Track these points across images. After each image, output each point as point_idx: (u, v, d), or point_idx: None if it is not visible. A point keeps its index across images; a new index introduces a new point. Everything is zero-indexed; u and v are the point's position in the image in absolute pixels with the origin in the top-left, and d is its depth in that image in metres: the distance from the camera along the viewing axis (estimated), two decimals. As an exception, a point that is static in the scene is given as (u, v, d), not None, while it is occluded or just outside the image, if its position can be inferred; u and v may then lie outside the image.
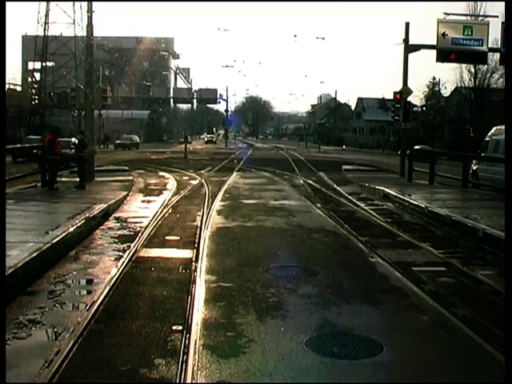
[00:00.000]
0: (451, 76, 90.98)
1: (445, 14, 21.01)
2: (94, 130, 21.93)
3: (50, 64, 62.48)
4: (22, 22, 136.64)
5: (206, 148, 59.77)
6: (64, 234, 8.42)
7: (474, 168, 18.20)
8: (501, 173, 14.01)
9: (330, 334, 5.11)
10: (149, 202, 14.44)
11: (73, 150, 17.89)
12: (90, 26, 18.17)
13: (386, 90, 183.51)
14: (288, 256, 8.39)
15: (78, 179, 15.70)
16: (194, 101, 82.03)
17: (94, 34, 18.65)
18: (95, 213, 10.76)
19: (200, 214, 12.25)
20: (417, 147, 38.13)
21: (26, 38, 70.27)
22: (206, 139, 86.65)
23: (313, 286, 6.71)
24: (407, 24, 21.18)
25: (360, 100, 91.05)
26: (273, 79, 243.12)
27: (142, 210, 12.89)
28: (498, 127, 17.84)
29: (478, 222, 10.36)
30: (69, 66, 58.91)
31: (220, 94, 78.47)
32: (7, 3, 9.99)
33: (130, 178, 20.09)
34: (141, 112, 77.01)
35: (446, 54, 21.11)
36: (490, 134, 18.43)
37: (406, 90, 21.69)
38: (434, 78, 61.79)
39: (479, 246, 9.25)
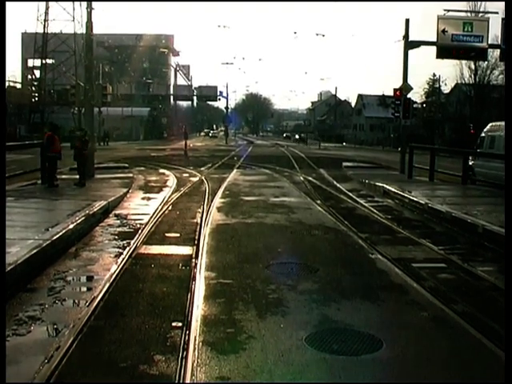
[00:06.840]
0: (451, 73, 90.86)
1: (445, 10, 21.03)
2: (94, 127, 21.93)
3: (49, 61, 62.50)
4: (22, 20, 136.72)
5: (206, 145, 59.72)
6: (64, 231, 8.41)
7: (471, 163, 18.28)
8: (496, 168, 14.59)
9: (329, 331, 5.11)
10: (149, 199, 14.43)
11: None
12: (89, 22, 18.15)
13: (386, 86, 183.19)
14: (288, 253, 8.38)
15: (77, 176, 15.68)
16: (194, 98, 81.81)
17: (94, 31, 18.60)
18: (95, 210, 10.76)
19: (200, 210, 12.25)
20: None
21: (26, 36, 70.26)
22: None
23: (313, 283, 6.70)
24: (407, 21, 21.15)
25: (360, 97, 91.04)
26: (273, 76, 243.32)
27: (142, 207, 12.89)
28: (493, 123, 18.13)
29: (477, 218, 10.35)
30: (69, 64, 58.96)
31: (220, 91, 78.17)
32: (7, 2, 9.93)
33: (130, 175, 20.07)
34: (140, 109, 76.81)
35: (446, 50, 21.09)
36: (485, 130, 18.57)
37: (406, 87, 21.66)
38: (434, 75, 61.70)
39: (479, 242, 9.24)
